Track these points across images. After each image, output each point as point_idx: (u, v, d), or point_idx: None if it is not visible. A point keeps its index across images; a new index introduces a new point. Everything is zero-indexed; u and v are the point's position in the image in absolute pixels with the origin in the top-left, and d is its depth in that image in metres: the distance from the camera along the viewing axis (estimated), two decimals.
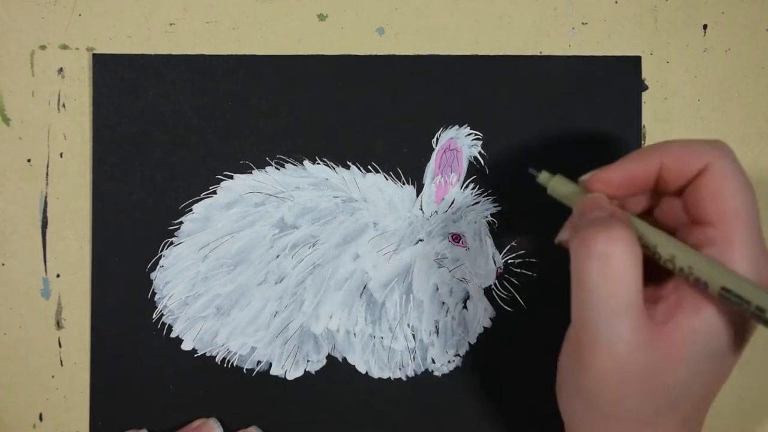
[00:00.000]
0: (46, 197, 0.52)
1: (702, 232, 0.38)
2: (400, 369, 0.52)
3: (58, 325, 0.52)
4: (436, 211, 0.51)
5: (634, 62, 0.52)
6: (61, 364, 0.52)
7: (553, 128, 0.51)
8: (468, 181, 0.52)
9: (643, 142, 0.51)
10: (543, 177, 0.44)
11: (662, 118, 0.52)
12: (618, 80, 0.52)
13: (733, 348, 0.38)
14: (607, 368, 0.37)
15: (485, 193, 0.51)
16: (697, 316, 0.37)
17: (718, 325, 0.37)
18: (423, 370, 0.52)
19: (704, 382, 0.38)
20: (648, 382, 0.37)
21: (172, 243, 0.52)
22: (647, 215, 0.42)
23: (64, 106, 0.52)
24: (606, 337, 0.37)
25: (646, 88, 0.52)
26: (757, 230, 0.37)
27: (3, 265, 0.52)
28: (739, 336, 0.38)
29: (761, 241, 0.37)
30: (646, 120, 0.52)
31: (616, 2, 0.52)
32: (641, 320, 0.37)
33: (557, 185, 0.43)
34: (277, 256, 0.51)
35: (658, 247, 0.38)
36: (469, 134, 0.51)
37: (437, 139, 0.52)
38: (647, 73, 0.52)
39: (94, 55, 0.52)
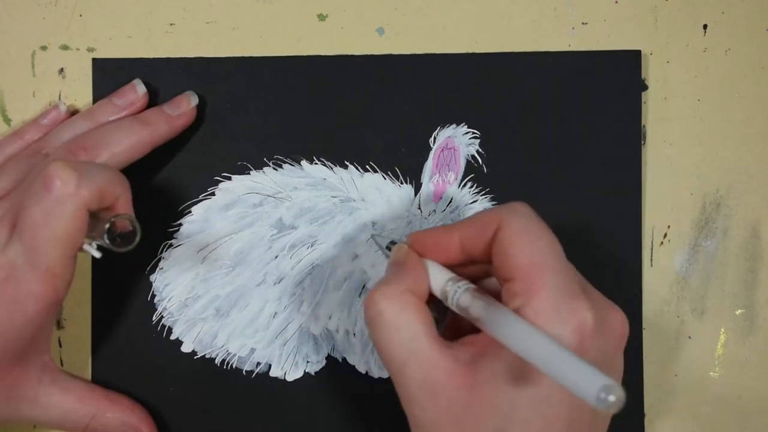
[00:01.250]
0: None
1: (506, 289, 0.39)
2: None
3: (58, 325, 0.52)
4: (435, 210, 0.51)
5: (634, 56, 0.51)
6: (62, 364, 0.52)
7: (551, 125, 0.51)
8: (466, 179, 0.51)
9: (642, 141, 0.51)
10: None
11: (662, 118, 0.52)
12: (618, 75, 0.51)
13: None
14: (417, 415, 0.39)
15: (483, 192, 0.51)
16: (498, 359, 0.38)
17: (517, 372, 0.37)
18: None
19: (531, 429, 0.37)
20: (462, 424, 0.38)
21: (171, 245, 0.52)
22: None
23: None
24: (402, 385, 0.39)
25: (646, 88, 0.52)
26: (557, 277, 0.37)
27: None
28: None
29: (567, 286, 0.37)
30: (646, 120, 0.52)
31: (616, 2, 0.52)
32: (431, 362, 0.38)
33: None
34: (276, 257, 0.51)
35: (452, 296, 0.40)
36: (467, 133, 0.51)
37: (435, 138, 0.51)
38: (647, 73, 0.52)
39: (94, 59, 0.52)
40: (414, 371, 0.38)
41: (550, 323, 0.36)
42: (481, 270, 0.42)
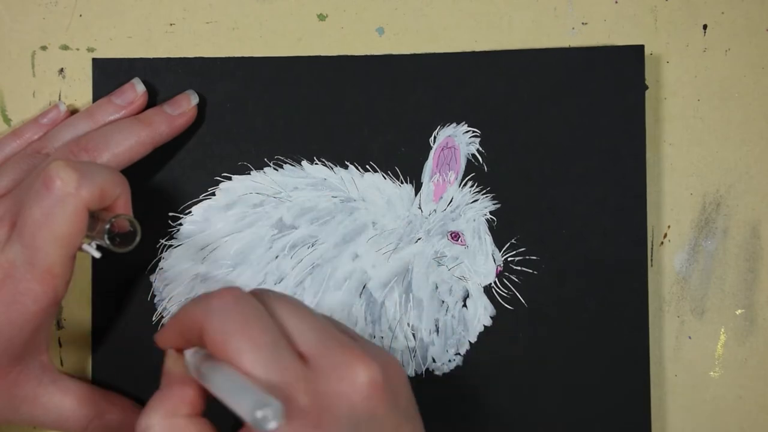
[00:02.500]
0: None
1: None
2: None
3: (58, 325, 0.52)
4: (435, 210, 0.51)
5: (637, 52, 0.51)
6: (62, 364, 0.52)
7: (553, 123, 0.51)
8: (466, 179, 0.51)
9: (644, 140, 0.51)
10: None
11: (662, 118, 0.52)
12: (621, 71, 0.51)
13: None
14: None
15: (484, 191, 0.51)
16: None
17: None
18: (424, 369, 0.51)
19: None
20: None
21: (171, 245, 0.52)
22: None
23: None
24: None
25: (646, 88, 0.52)
26: (266, 361, 0.37)
27: None
28: None
29: (276, 357, 0.37)
30: (646, 120, 0.52)
31: (616, 2, 0.52)
32: None
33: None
34: (276, 257, 0.51)
35: (192, 367, 0.40)
36: (467, 132, 0.51)
37: (435, 137, 0.51)
38: (647, 73, 0.52)
39: (93, 59, 0.52)
40: None
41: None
42: None
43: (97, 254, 0.44)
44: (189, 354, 0.40)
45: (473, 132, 0.51)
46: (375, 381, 0.38)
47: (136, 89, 0.50)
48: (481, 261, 0.51)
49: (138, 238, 0.43)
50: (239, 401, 0.35)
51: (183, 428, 0.39)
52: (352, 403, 0.38)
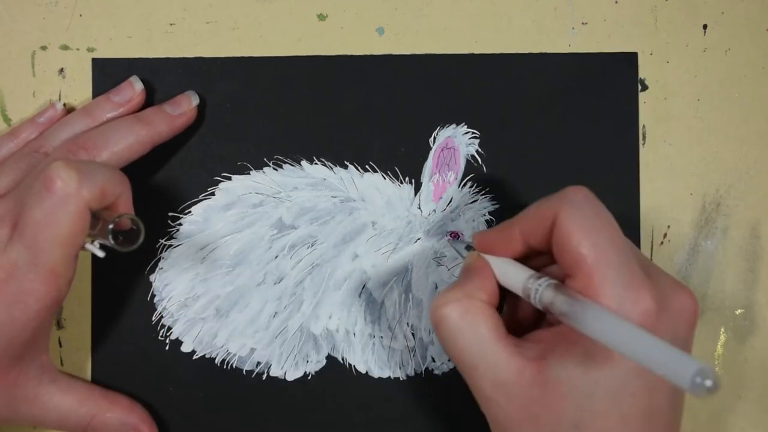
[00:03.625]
0: None
1: (571, 284, 0.39)
2: (400, 368, 0.51)
3: (59, 325, 0.52)
4: (435, 210, 0.51)
5: (630, 58, 0.52)
6: (62, 364, 0.52)
7: (550, 125, 0.51)
8: (466, 179, 0.51)
9: (642, 141, 0.51)
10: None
11: (662, 118, 0.52)
12: (615, 77, 0.51)
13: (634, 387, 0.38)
14: (494, 414, 0.40)
15: (483, 192, 0.51)
16: (568, 355, 0.38)
17: (590, 363, 0.38)
18: (423, 369, 0.51)
19: (609, 421, 0.38)
20: (539, 420, 0.39)
21: (171, 245, 0.52)
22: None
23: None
24: (475, 388, 0.40)
25: (646, 88, 0.52)
26: (616, 272, 0.37)
27: None
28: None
29: (628, 277, 0.37)
30: (646, 120, 0.52)
31: (616, 2, 0.52)
32: (500, 364, 0.39)
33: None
34: (276, 257, 0.51)
35: (535, 293, 0.40)
36: (466, 132, 0.51)
37: (434, 137, 0.52)
38: (647, 73, 0.52)
39: (93, 59, 0.52)
40: (484, 374, 0.39)
41: None
42: (548, 259, 0.42)
43: (101, 253, 0.44)
44: (532, 280, 0.40)
45: (473, 133, 0.51)
46: (697, 311, 0.40)
47: (134, 87, 0.50)
48: None
49: (142, 237, 0.43)
50: (652, 359, 0.33)
51: (480, 310, 0.40)
52: (683, 327, 0.39)
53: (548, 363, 0.38)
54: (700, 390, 0.31)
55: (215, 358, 0.52)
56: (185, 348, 0.52)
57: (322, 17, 0.52)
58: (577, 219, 0.38)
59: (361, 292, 0.51)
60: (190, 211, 0.52)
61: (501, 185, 0.51)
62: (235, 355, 0.52)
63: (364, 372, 0.52)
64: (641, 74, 0.52)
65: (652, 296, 0.37)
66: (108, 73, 0.52)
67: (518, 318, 0.44)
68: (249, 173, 0.52)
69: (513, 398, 0.39)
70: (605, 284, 0.37)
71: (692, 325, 0.40)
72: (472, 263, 0.43)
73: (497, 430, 0.41)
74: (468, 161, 0.51)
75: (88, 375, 0.52)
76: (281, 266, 0.51)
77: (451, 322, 0.40)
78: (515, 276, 0.41)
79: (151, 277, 0.52)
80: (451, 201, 0.51)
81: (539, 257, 0.43)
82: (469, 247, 0.46)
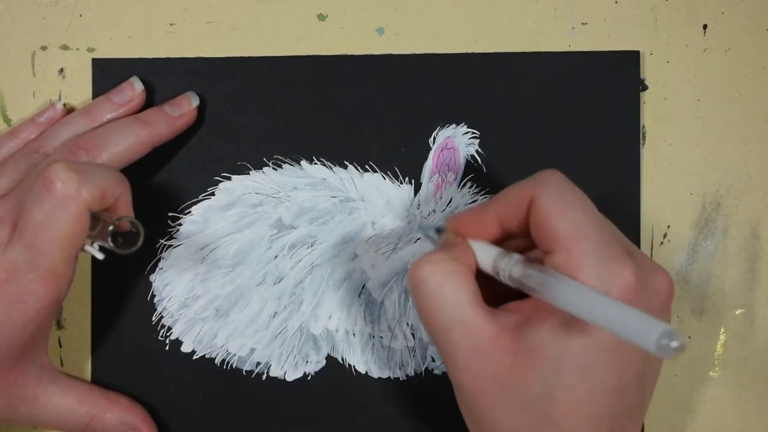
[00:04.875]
0: None
1: (550, 261, 0.39)
2: (400, 368, 0.51)
3: (59, 325, 0.52)
4: (434, 210, 0.51)
5: (632, 57, 0.51)
6: (61, 364, 0.52)
7: (551, 125, 0.51)
8: (465, 179, 0.51)
9: (642, 141, 0.51)
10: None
11: (662, 118, 0.52)
12: (616, 76, 0.51)
13: (602, 361, 0.38)
14: (463, 381, 0.40)
15: (483, 192, 0.51)
16: (543, 326, 0.38)
17: (562, 335, 0.38)
18: (423, 368, 0.51)
19: (578, 394, 0.38)
20: (508, 389, 0.39)
21: (171, 245, 0.52)
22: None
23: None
24: (447, 352, 0.40)
25: (646, 88, 0.52)
26: (595, 245, 0.38)
27: None
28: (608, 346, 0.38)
29: (607, 251, 0.38)
30: (646, 120, 0.52)
31: (616, 2, 0.52)
32: (475, 329, 0.39)
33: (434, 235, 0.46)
34: (276, 257, 0.51)
35: (504, 270, 0.40)
36: (466, 133, 0.51)
37: (434, 138, 0.52)
38: (647, 73, 0.52)
39: (93, 59, 0.52)
40: (459, 338, 0.39)
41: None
42: (521, 243, 0.43)
43: (100, 255, 0.44)
44: (501, 257, 0.40)
45: (472, 133, 0.51)
46: (672, 292, 0.40)
47: (135, 87, 0.50)
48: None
49: (141, 240, 0.43)
50: (620, 324, 0.33)
51: (463, 274, 0.40)
52: (658, 306, 0.39)
53: (522, 332, 0.39)
54: (666, 351, 0.31)
55: (215, 358, 0.52)
56: (185, 348, 0.52)
57: (322, 17, 0.52)
58: (555, 198, 0.39)
59: (360, 292, 0.51)
60: (190, 211, 0.52)
61: (501, 185, 0.51)
62: (235, 355, 0.52)
63: (363, 372, 0.52)
64: (641, 74, 0.52)
65: (631, 271, 0.37)
66: (108, 73, 0.52)
67: (490, 295, 0.44)
68: (249, 173, 0.52)
69: (485, 365, 0.39)
70: (585, 259, 0.37)
71: (667, 306, 0.40)
72: (449, 239, 0.43)
73: (465, 397, 0.41)
74: (468, 161, 0.51)
75: (88, 375, 0.52)
76: (281, 266, 0.51)
77: (431, 283, 0.40)
78: (485, 254, 0.42)
79: (151, 277, 0.52)
80: (450, 201, 0.51)
81: (512, 241, 0.43)
82: (439, 230, 0.46)
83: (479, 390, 0.39)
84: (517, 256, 0.40)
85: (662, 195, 0.52)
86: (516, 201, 0.40)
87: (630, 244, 0.41)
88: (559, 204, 0.39)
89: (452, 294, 0.39)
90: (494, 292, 0.43)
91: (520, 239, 0.42)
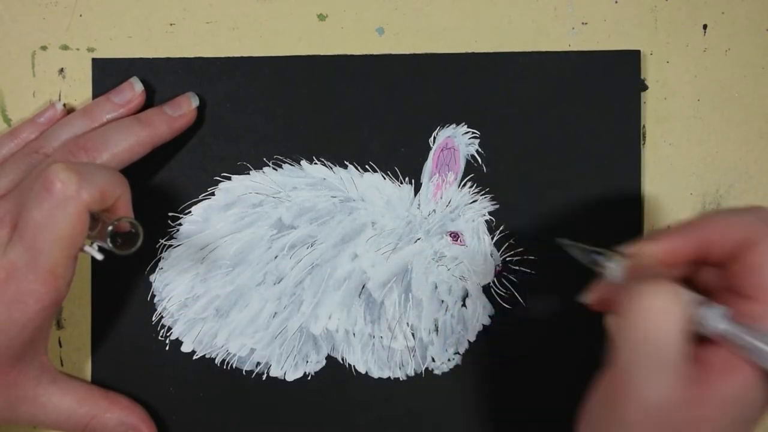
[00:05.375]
0: None
1: (744, 304, 0.37)
2: (399, 368, 0.51)
3: (59, 325, 0.52)
4: (434, 210, 0.51)
5: (633, 57, 0.51)
6: (61, 364, 0.52)
7: (551, 125, 0.51)
8: (466, 179, 0.51)
9: (642, 141, 0.51)
10: (577, 249, 0.45)
11: (662, 118, 0.52)
12: (617, 75, 0.51)
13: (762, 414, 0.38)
14: (640, 420, 0.37)
15: (483, 192, 0.51)
16: (735, 382, 0.37)
17: (756, 392, 0.37)
18: (423, 368, 0.51)
19: None
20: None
21: (171, 245, 0.52)
22: (685, 281, 0.41)
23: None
24: (642, 390, 0.37)
25: (646, 88, 0.52)
26: None
27: None
28: None
29: None
30: (646, 120, 0.52)
31: (616, 2, 0.52)
32: (680, 378, 0.37)
33: (601, 259, 0.43)
34: (276, 257, 0.51)
35: (706, 319, 0.38)
36: (466, 132, 0.51)
37: (434, 138, 0.52)
38: (647, 73, 0.52)
39: (93, 59, 0.52)
40: (660, 381, 0.37)
41: None
42: (690, 269, 0.41)
43: (99, 256, 0.44)
44: (703, 305, 0.38)
45: (472, 133, 0.51)
46: None
47: (134, 88, 0.50)
48: (480, 261, 0.51)
49: (140, 241, 0.43)
50: None
51: (681, 314, 0.37)
52: None
53: (705, 387, 0.37)
54: None
55: (215, 358, 0.52)
56: (185, 348, 0.52)
57: (322, 17, 0.52)
58: None
59: (360, 292, 0.51)
60: (190, 211, 0.52)
61: (501, 185, 0.51)
62: (235, 355, 0.52)
63: (363, 372, 0.52)
64: (641, 74, 0.52)
65: None
66: (108, 73, 0.52)
67: None
68: (249, 173, 0.52)
69: (664, 413, 0.37)
70: None
71: None
72: (645, 265, 0.40)
73: (622, 422, 0.38)
74: (468, 161, 0.51)
75: (88, 375, 0.52)
76: (281, 266, 0.51)
77: (662, 318, 0.37)
78: (684, 298, 0.38)
79: (151, 277, 0.52)
80: (450, 201, 0.51)
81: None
82: (599, 254, 0.43)
83: (647, 426, 0.37)
84: (721, 309, 0.38)
85: (662, 195, 0.52)
86: (728, 236, 0.38)
87: None
88: None
89: (674, 338, 0.37)
90: None
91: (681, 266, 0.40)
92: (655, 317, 0.37)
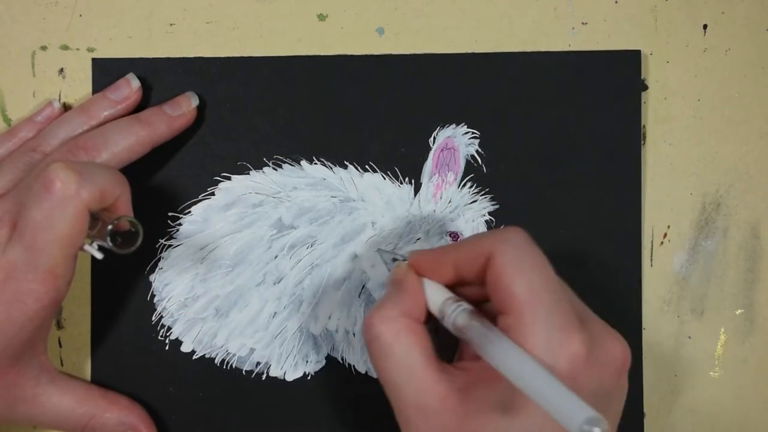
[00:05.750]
0: None
1: (502, 321, 0.38)
2: None
3: (58, 325, 0.52)
4: (434, 210, 0.51)
5: (633, 57, 0.51)
6: (61, 364, 0.52)
7: (551, 125, 0.51)
8: (465, 179, 0.51)
9: (642, 141, 0.51)
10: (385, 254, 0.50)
11: (662, 118, 0.52)
12: (617, 75, 0.51)
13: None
14: (419, 427, 0.39)
15: (483, 192, 0.51)
16: (491, 390, 0.38)
17: (507, 406, 0.37)
18: None
19: None
20: None
21: (170, 245, 0.52)
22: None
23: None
24: (398, 408, 0.40)
25: (646, 87, 0.52)
26: (548, 313, 0.37)
27: None
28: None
29: (559, 320, 0.37)
30: (646, 120, 0.52)
31: (616, 2, 0.52)
32: (425, 389, 0.38)
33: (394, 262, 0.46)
34: (276, 257, 0.51)
35: (449, 316, 0.40)
36: (466, 133, 0.51)
37: (434, 138, 0.52)
38: (647, 73, 0.52)
39: (93, 59, 0.52)
40: (409, 395, 0.39)
41: (541, 358, 0.36)
42: (478, 292, 0.42)
43: (99, 255, 0.44)
44: (449, 303, 0.40)
45: (472, 133, 0.51)
46: (628, 359, 0.40)
47: (131, 84, 0.50)
48: None
49: (140, 240, 0.43)
50: (547, 399, 0.34)
51: (413, 331, 0.40)
52: (611, 374, 0.39)
53: (470, 396, 0.38)
54: None
55: (215, 358, 0.52)
56: (185, 348, 0.52)
57: (322, 17, 0.52)
58: (512, 258, 0.38)
59: (360, 292, 0.51)
60: (189, 211, 0.52)
61: (501, 186, 0.51)
62: (234, 355, 0.52)
63: (363, 372, 0.52)
64: (641, 74, 0.52)
65: (581, 341, 0.37)
66: (108, 73, 0.52)
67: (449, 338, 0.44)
68: (249, 173, 0.52)
69: (431, 425, 0.38)
70: (535, 324, 0.37)
71: (621, 374, 0.39)
72: (402, 278, 0.43)
73: None
74: (468, 161, 0.51)
75: (88, 375, 0.52)
76: (281, 266, 0.51)
77: (383, 341, 0.39)
78: (436, 296, 0.41)
79: (151, 277, 0.52)
80: (450, 201, 0.51)
81: (468, 288, 0.42)
82: (395, 260, 0.46)
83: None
84: (465, 306, 0.40)
85: (662, 195, 0.52)
86: (474, 253, 0.40)
87: (585, 310, 0.41)
88: (516, 265, 0.38)
89: (404, 353, 0.39)
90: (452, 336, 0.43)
91: (477, 288, 0.42)
92: (380, 344, 0.40)
